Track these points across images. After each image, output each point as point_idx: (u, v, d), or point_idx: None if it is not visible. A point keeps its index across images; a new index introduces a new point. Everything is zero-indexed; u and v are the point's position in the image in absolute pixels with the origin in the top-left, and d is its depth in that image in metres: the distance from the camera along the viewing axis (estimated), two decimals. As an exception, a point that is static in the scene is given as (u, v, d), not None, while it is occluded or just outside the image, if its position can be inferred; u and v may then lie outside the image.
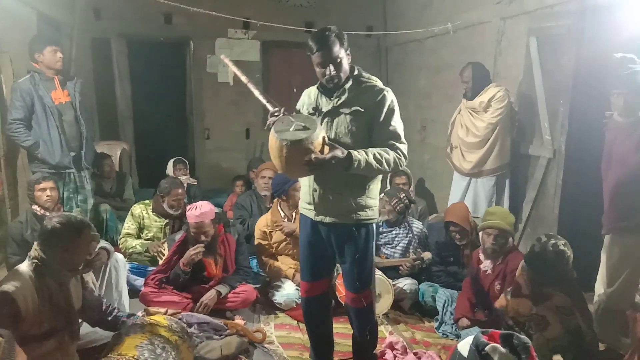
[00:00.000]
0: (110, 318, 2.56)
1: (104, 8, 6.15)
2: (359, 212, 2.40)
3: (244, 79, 2.53)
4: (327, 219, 2.42)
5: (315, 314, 2.71)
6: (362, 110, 2.32)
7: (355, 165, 2.20)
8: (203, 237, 3.37)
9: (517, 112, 4.08)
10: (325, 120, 2.38)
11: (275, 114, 2.28)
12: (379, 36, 6.81)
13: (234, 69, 2.61)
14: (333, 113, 2.37)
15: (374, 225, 2.51)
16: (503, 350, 1.69)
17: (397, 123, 2.37)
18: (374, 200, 2.46)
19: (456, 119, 4.33)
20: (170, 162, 5.45)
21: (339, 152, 2.17)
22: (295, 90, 6.81)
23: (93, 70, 6.26)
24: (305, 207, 2.52)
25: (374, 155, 2.25)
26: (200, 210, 3.35)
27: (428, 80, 5.77)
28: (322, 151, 2.14)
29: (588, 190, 3.32)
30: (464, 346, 1.79)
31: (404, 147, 2.37)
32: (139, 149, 6.67)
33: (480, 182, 4.14)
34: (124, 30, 6.31)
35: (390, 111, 2.35)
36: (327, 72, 2.31)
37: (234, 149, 6.95)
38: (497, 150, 3.98)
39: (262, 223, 3.89)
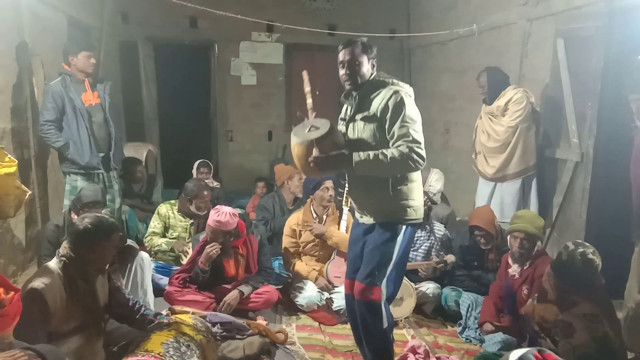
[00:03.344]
0: (137, 316, 2.59)
1: (132, 12, 6.28)
2: (393, 212, 2.49)
3: (307, 89, 2.68)
4: (364, 219, 2.59)
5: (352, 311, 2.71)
6: (371, 114, 2.42)
7: (354, 165, 2.32)
8: (209, 239, 3.40)
9: (539, 113, 4.01)
10: (349, 126, 2.54)
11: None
12: (402, 38, 6.79)
13: (306, 83, 2.72)
14: (351, 120, 2.52)
15: (404, 227, 2.51)
16: None
17: (409, 122, 2.35)
18: (407, 202, 2.48)
19: (478, 125, 4.29)
20: (195, 165, 5.53)
21: (340, 153, 2.34)
22: (317, 92, 6.83)
23: (120, 73, 6.39)
24: (356, 210, 2.71)
25: (375, 154, 2.32)
26: (219, 218, 3.33)
27: (452, 82, 5.73)
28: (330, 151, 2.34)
29: (617, 195, 3.25)
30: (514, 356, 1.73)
31: (416, 146, 2.32)
32: (163, 150, 6.78)
33: (506, 186, 4.07)
34: (151, 34, 6.43)
35: (396, 110, 2.36)
36: (342, 72, 2.48)
37: (256, 151, 7.02)
38: (520, 153, 3.91)
39: (293, 221, 3.91)
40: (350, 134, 2.52)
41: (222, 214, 3.35)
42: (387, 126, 2.38)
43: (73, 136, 3.80)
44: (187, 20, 6.48)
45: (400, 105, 2.36)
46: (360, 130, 2.47)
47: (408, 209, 2.49)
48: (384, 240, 2.49)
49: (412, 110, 2.39)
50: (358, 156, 2.33)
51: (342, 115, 2.66)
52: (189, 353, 2.27)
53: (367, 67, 2.46)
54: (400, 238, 2.51)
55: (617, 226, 3.14)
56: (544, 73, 4.12)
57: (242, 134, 7.00)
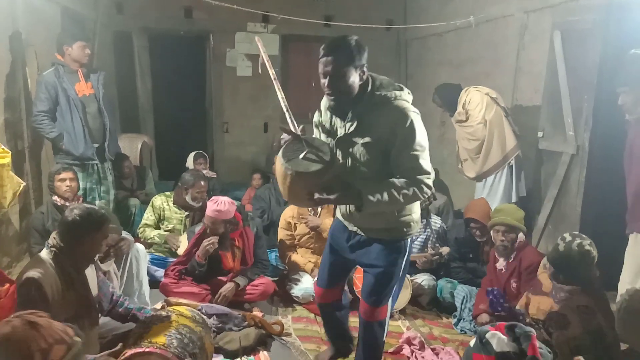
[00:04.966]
0: (121, 310, 2.57)
1: (126, 2, 6.22)
2: (393, 229, 2.26)
3: (271, 72, 2.33)
4: (361, 232, 2.32)
5: (329, 318, 2.72)
6: (375, 140, 2.08)
7: (366, 207, 2.03)
8: (209, 231, 3.39)
9: (497, 98, 4.07)
10: (342, 147, 2.17)
11: (290, 135, 2.05)
12: (399, 30, 6.76)
13: (265, 57, 2.37)
14: (346, 141, 2.15)
15: (408, 240, 2.34)
16: (502, 336, 1.81)
17: (418, 150, 2.07)
18: (409, 216, 2.28)
19: (457, 137, 4.39)
20: (191, 156, 5.50)
21: (350, 192, 2.02)
22: (313, 84, 6.81)
23: (115, 64, 6.34)
24: (341, 215, 2.40)
25: (389, 193, 2.03)
26: (218, 207, 3.33)
27: (449, 74, 5.71)
28: (330, 185, 1.96)
29: (612, 188, 3.26)
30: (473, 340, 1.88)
31: (426, 178, 2.08)
32: (158, 141, 6.74)
33: (497, 178, 4.12)
34: (146, 25, 6.37)
35: (407, 137, 2.05)
36: (323, 83, 2.06)
37: (252, 143, 6.99)
38: (497, 141, 4.02)
39: (289, 213, 3.91)
40: (344, 156, 2.16)
41: (221, 203, 3.36)
42: (393, 153, 2.08)
43: (67, 127, 3.77)
44: (182, 11, 6.42)
45: (410, 130, 2.04)
46: (359, 154, 2.12)
47: (412, 224, 2.29)
48: (390, 262, 2.28)
49: (421, 134, 2.09)
50: (371, 197, 2.00)
51: (326, 125, 2.24)
52: (191, 345, 2.27)
53: (354, 78, 2.04)
54: (406, 255, 2.34)
55: (612, 219, 3.15)
56: (540, 66, 4.13)
57: (237, 125, 6.96)
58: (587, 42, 3.60)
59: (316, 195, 1.94)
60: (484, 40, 4.98)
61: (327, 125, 2.24)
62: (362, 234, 2.32)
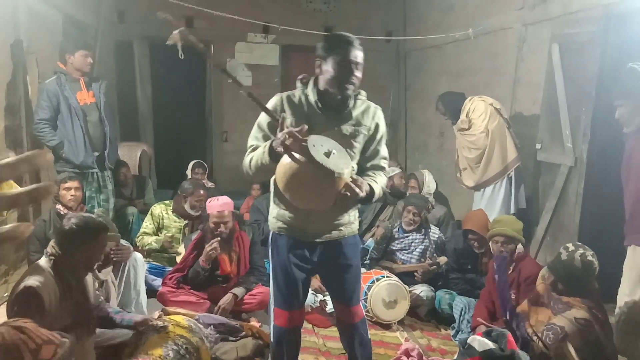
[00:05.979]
0: (104, 316, 2.53)
1: (128, 11, 6.27)
2: (348, 226, 2.27)
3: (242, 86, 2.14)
4: (323, 237, 2.23)
5: (296, 343, 2.50)
6: (363, 134, 2.19)
7: (374, 199, 2.14)
8: (223, 228, 3.42)
9: (501, 109, 4.11)
10: None
11: (293, 130, 1.86)
12: (399, 41, 6.81)
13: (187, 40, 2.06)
14: (335, 136, 2.06)
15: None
16: (482, 339, 2.09)
17: (385, 143, 2.30)
18: (355, 212, 2.33)
19: (457, 145, 4.41)
20: (190, 165, 5.51)
21: (367, 187, 2.02)
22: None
23: (115, 72, 6.36)
24: (289, 226, 2.24)
25: (380, 182, 2.18)
26: (223, 201, 3.49)
27: (448, 85, 5.74)
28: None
29: (610, 200, 3.26)
30: None
31: (387, 165, 2.32)
32: (158, 150, 6.75)
33: (496, 189, 4.13)
34: (147, 33, 6.40)
35: (383, 130, 2.27)
36: (353, 75, 2.04)
37: (252, 152, 6.98)
38: (498, 153, 4.04)
39: None
40: None
41: (221, 197, 3.53)
42: (373, 143, 2.23)
43: (68, 135, 3.79)
44: (183, 20, 6.45)
45: (384, 125, 2.28)
46: (347, 148, 2.11)
47: (358, 219, 2.38)
48: (357, 256, 2.36)
49: None
50: (377, 190, 2.09)
51: (304, 123, 1.97)
52: (187, 356, 2.26)
53: None
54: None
55: (611, 230, 3.15)
56: (539, 77, 4.15)
57: (237, 134, 6.97)
58: (585, 55, 3.63)
59: (355, 190, 1.91)
60: (483, 51, 5.02)
61: (306, 119, 2.07)
62: (324, 239, 2.23)
